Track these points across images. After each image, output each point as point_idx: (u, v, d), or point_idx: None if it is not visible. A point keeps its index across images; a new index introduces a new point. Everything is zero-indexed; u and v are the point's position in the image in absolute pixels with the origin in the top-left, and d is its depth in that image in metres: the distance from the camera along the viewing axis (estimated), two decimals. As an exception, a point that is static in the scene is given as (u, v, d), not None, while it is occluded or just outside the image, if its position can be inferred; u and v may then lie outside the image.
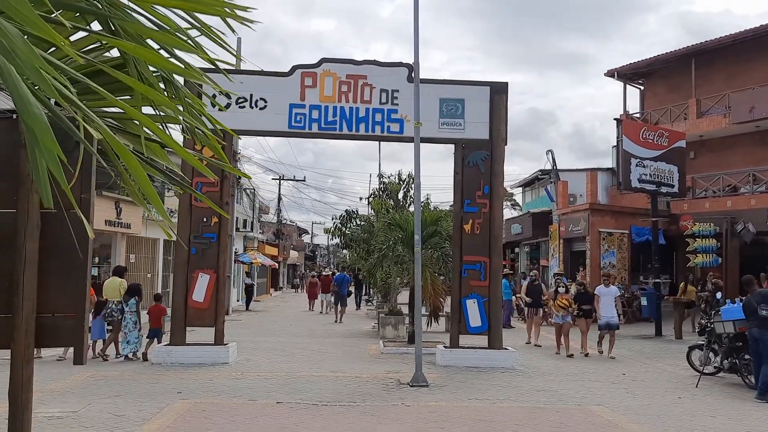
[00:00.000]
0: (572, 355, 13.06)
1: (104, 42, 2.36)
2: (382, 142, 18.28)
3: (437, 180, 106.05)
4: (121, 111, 2.40)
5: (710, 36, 27.43)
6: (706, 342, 10.76)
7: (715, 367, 10.60)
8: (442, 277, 14.60)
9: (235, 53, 2.46)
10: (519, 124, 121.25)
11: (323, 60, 11.95)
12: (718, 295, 14.87)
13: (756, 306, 9.24)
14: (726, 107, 23.40)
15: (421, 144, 10.51)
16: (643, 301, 19.48)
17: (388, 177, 19.46)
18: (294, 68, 11.91)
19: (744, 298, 9.84)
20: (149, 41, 2.16)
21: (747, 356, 9.75)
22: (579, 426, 7.41)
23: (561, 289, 13.99)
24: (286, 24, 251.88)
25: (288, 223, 51.28)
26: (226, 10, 2.24)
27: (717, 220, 19.98)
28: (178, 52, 2.29)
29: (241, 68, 14.49)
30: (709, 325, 10.78)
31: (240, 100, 11.57)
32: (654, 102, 27.34)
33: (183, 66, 2.25)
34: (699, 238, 19.44)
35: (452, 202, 12.67)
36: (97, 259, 19.23)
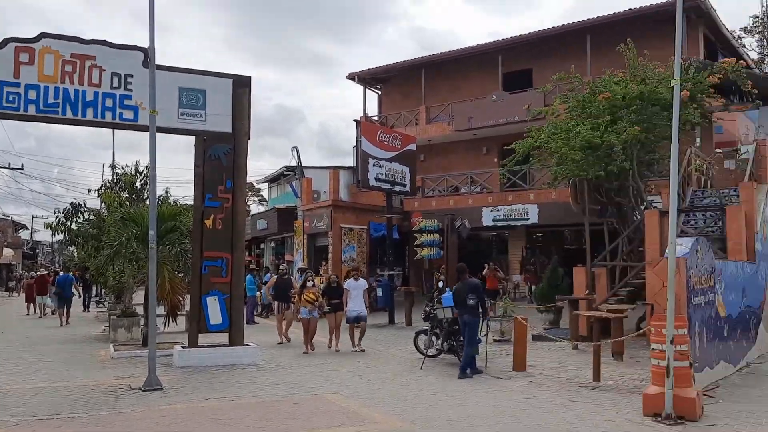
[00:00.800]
0: (314, 348, 13.31)
1: None
2: (117, 130, 16.84)
3: (182, 173, 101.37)
4: None
5: (437, 51, 30.55)
6: (430, 327, 11.87)
7: (436, 350, 11.72)
8: (181, 275, 13.92)
9: None
10: (267, 120, 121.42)
11: (43, 35, 10.59)
12: (440, 284, 16.50)
13: (465, 296, 10.45)
14: (450, 116, 26.14)
15: (161, 134, 9.92)
16: (379, 292, 20.87)
17: (123, 168, 18.02)
18: (6, 41, 10.37)
19: (456, 285, 11.03)
20: None
21: (462, 338, 10.95)
22: (313, 414, 7.63)
23: (309, 283, 13.79)
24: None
25: (1, 217, 44.90)
26: None
27: (440, 216, 22.26)
28: None
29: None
30: (432, 311, 11.92)
31: (-68, 72, 9.76)
32: (390, 106, 29.44)
33: None
34: (425, 233, 21.45)
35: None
36: None
